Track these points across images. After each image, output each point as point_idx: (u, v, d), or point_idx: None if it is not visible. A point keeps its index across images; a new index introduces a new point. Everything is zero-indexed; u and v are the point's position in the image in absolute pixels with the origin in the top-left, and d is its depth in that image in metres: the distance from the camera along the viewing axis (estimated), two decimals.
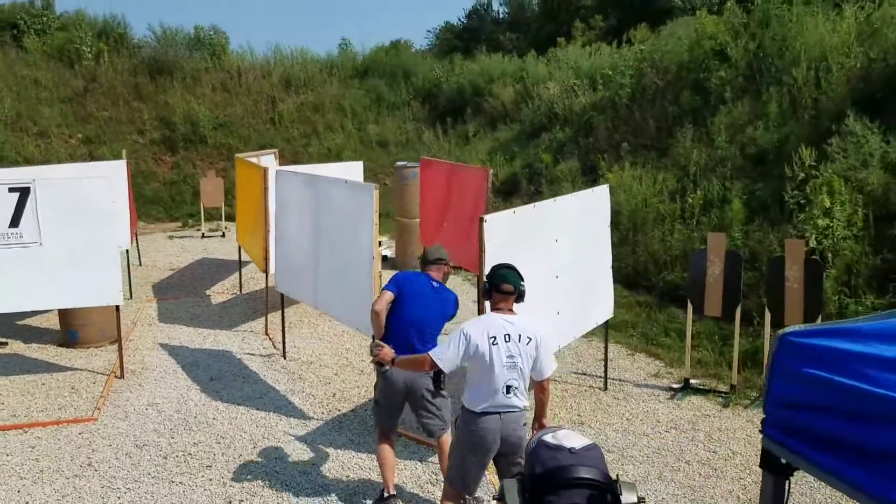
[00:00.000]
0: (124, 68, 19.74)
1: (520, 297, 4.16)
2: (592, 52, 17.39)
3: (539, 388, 4.26)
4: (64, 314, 8.15)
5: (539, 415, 4.32)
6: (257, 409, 6.58)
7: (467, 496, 4.27)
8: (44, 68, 19.07)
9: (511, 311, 4.12)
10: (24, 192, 6.80)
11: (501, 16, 32.41)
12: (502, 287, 4.09)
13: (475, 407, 4.00)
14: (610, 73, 14.04)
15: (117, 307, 7.32)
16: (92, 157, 16.85)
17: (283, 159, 14.27)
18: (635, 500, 1.85)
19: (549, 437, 1.91)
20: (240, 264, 10.62)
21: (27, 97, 18.15)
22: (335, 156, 18.69)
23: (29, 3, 20.19)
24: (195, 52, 20.68)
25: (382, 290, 5.00)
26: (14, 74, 18.57)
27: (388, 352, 4.40)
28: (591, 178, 11.95)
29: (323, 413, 6.52)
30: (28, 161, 16.09)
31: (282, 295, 7.89)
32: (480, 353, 3.95)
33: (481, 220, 4.83)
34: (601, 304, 6.64)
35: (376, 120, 20.61)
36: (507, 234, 5.13)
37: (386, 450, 4.90)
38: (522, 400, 4.06)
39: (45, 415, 6.44)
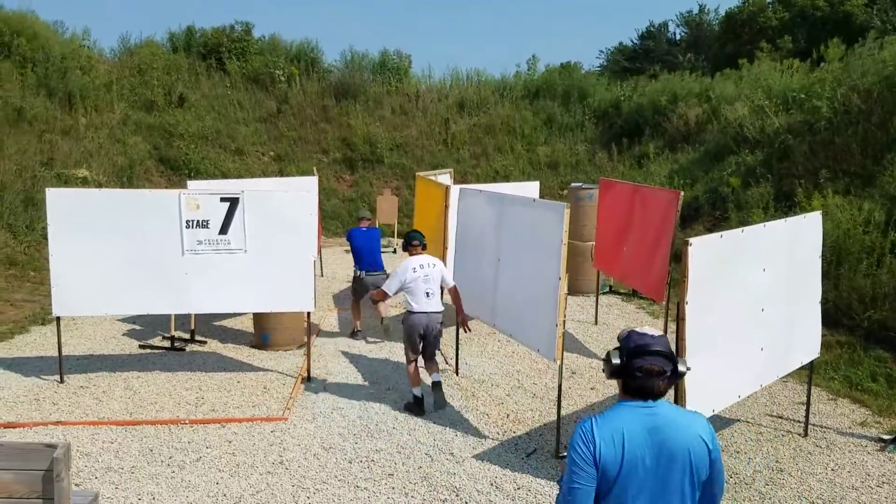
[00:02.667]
0: (313, 91, 21.08)
1: (424, 247, 7.07)
2: (784, 70, 16.28)
3: (450, 291, 7.08)
4: (258, 318, 8.70)
5: (459, 309, 7.02)
6: (433, 423, 6.62)
7: (416, 355, 6.92)
8: (242, 90, 20.80)
9: (420, 254, 6.98)
10: (233, 203, 7.34)
11: (679, 36, 31.40)
12: (413, 243, 7.05)
13: (412, 309, 6.79)
14: (803, 95, 13.04)
15: (308, 314, 7.70)
16: (281, 174, 18.12)
17: (454, 180, 14.52)
18: (685, 369, 2.84)
19: (637, 329, 2.86)
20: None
21: (227, 116, 19.86)
22: (503, 177, 18.83)
23: (230, 27, 22.08)
24: (379, 75, 21.67)
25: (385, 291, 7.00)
26: (216, 95, 20.39)
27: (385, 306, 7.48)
28: (786, 204, 11.11)
29: (498, 433, 6.44)
30: (225, 175, 17.57)
31: None
32: (408, 277, 6.76)
33: (686, 243, 4.55)
34: (807, 342, 6.07)
35: (546, 141, 20.54)
36: (713, 260, 4.80)
37: (414, 367, 6.93)
38: (436, 305, 6.84)
39: (240, 411, 6.85)
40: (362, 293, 9.27)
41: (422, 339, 6.85)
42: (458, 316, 7.03)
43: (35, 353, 8.50)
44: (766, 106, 14.04)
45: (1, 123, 14.80)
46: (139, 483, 5.42)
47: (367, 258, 9.37)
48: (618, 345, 2.83)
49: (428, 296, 6.77)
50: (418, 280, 6.75)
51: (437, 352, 7.13)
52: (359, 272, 9.34)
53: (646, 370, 2.72)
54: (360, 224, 9.71)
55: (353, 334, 9.32)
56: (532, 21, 70.60)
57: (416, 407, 6.82)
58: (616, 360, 2.79)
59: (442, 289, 7.07)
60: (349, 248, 9.76)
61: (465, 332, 7.19)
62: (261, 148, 19.50)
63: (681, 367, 2.79)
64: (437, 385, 6.86)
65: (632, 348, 2.77)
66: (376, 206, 16.38)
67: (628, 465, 2.63)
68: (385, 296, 6.94)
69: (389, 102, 21.27)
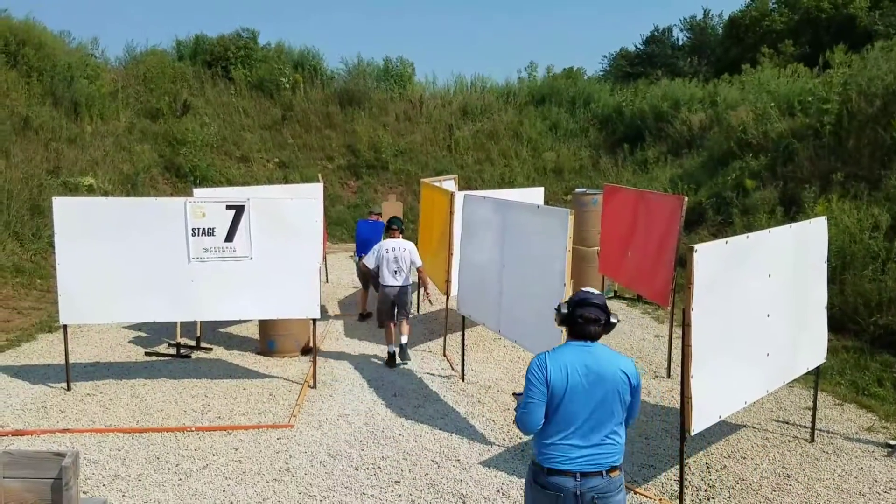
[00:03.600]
0: (317, 98, 21.16)
1: (401, 232, 8.71)
2: (789, 74, 16.28)
3: (418, 270, 8.84)
4: (264, 325, 8.73)
5: (424, 282, 9.03)
6: (440, 430, 6.63)
7: (389, 323, 8.52)
8: (247, 97, 20.89)
9: (395, 237, 8.59)
10: (239, 210, 7.37)
11: (682, 41, 31.42)
12: (392, 227, 8.63)
13: (384, 283, 8.45)
14: (810, 98, 13.03)
15: (314, 320, 7.72)
16: (286, 181, 18.16)
17: (458, 186, 14.55)
18: (616, 321, 3.72)
19: (584, 288, 3.76)
20: (418, 286, 10.86)
21: (232, 124, 19.95)
22: (508, 182, 18.86)
23: (236, 35, 22.17)
24: (383, 82, 21.75)
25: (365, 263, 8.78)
26: (221, 103, 20.48)
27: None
28: (791, 209, 11.11)
29: (504, 440, 6.44)
30: (230, 182, 17.64)
31: (463, 318, 7.96)
32: (381, 255, 8.42)
33: (691, 249, 4.55)
34: (813, 347, 6.06)
35: (552, 147, 20.56)
36: (718, 267, 4.80)
37: (391, 327, 8.52)
38: (403, 280, 8.48)
39: (246, 419, 6.87)
40: (389, 308, 8.96)
41: (394, 305, 8.53)
42: (424, 289, 8.96)
43: (42, 361, 8.53)
44: (770, 110, 14.04)
45: (7, 132, 14.87)
46: (146, 491, 5.44)
47: (368, 247, 9.65)
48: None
49: (395, 274, 8.44)
50: (388, 259, 8.41)
51: (408, 317, 8.78)
52: (357, 258, 10.71)
53: (585, 318, 3.62)
54: (370, 217, 11.08)
55: (362, 317, 10.46)
56: (535, 27, 70.76)
57: (390, 361, 8.45)
58: (564, 311, 3.68)
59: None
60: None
61: (430, 304, 9.72)
62: (265, 155, 19.57)
63: (612, 319, 3.71)
64: (403, 346, 8.59)
65: (576, 301, 3.68)
66: (381, 211, 16.39)
67: (571, 387, 3.53)
68: (366, 267, 8.78)
69: (393, 109, 21.33)
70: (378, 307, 8.76)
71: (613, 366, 3.59)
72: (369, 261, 8.57)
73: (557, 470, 3.55)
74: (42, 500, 3.82)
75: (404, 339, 8.57)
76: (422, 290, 9.27)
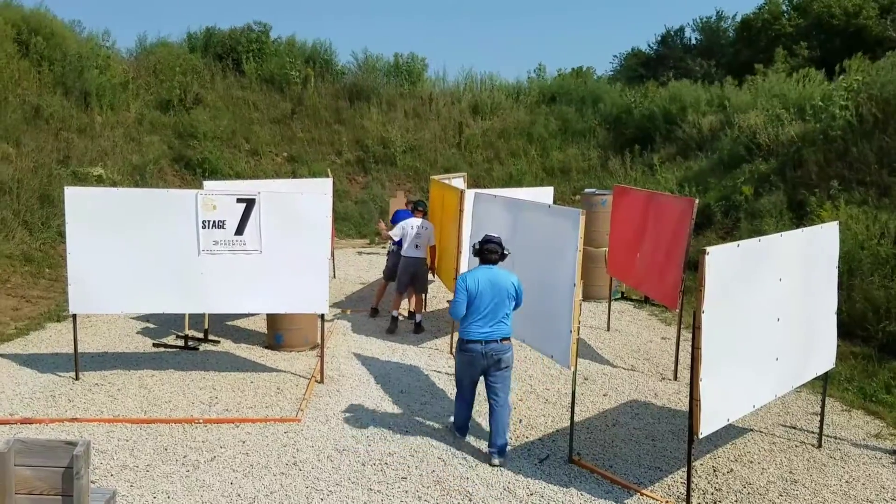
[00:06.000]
0: (328, 93, 21.17)
1: (424, 213, 9.93)
2: (800, 79, 16.22)
3: (430, 249, 9.85)
4: (272, 318, 8.75)
5: (431, 260, 10.01)
6: (446, 427, 6.64)
7: (404, 290, 9.80)
8: (258, 91, 20.91)
9: (420, 217, 9.76)
10: (249, 204, 7.39)
11: (693, 42, 31.27)
12: (419, 208, 9.85)
13: (407, 254, 9.58)
14: (822, 103, 12.99)
15: (322, 315, 7.73)
16: (294, 175, 18.18)
17: (467, 184, 14.54)
18: (508, 252, 6.10)
19: (487, 234, 6.12)
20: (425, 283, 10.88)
21: (242, 117, 19.96)
22: (516, 181, 18.84)
23: (248, 28, 22.19)
24: (393, 78, 21.73)
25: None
26: (231, 96, 20.50)
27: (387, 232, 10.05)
28: (798, 214, 11.09)
29: (511, 439, 6.44)
30: (239, 176, 17.66)
31: None
32: (407, 231, 9.57)
33: (703, 252, 4.55)
34: (822, 352, 6.06)
35: (560, 146, 20.53)
36: (730, 270, 4.80)
37: (400, 296, 9.84)
38: (422, 252, 9.66)
39: (253, 412, 6.89)
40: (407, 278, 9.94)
41: (412, 277, 9.66)
42: (430, 265, 10.08)
43: (50, 350, 8.57)
44: (781, 115, 14.00)
45: (18, 121, 14.92)
46: (154, 482, 5.46)
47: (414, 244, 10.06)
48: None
49: (416, 247, 9.65)
50: (412, 236, 9.60)
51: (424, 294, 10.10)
52: (393, 247, 10.53)
53: (488, 250, 6.03)
54: (415, 214, 10.26)
55: (373, 312, 10.61)
56: (546, 26, 70.60)
57: (392, 325, 9.71)
58: (476, 247, 6.11)
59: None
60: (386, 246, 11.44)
61: (433, 276, 10.43)
62: (275, 149, 19.58)
63: (505, 251, 6.09)
64: (419, 324, 9.80)
65: (483, 241, 6.10)
66: (389, 208, 16.40)
67: (480, 291, 5.90)
68: (388, 235, 9.94)
69: (403, 105, 21.32)
70: (399, 276, 9.78)
71: (505, 279, 5.96)
72: (395, 232, 9.71)
73: (472, 339, 5.94)
74: (53, 489, 3.84)
75: (419, 318, 9.85)
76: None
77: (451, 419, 6.60)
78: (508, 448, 6.17)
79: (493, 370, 5.98)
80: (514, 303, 5.98)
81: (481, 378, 6.12)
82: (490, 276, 5.92)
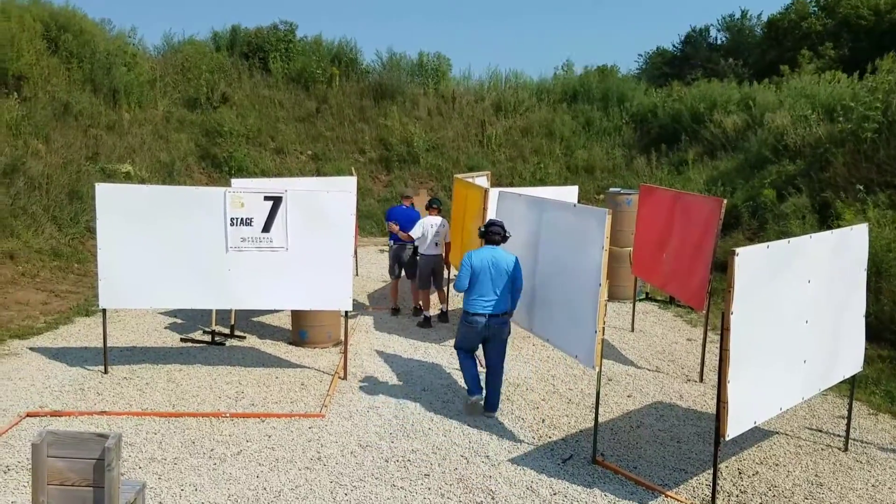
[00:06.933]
0: (352, 91, 21.26)
1: (439, 211, 10.04)
2: (829, 80, 16.00)
3: (446, 244, 10.08)
4: (296, 315, 8.82)
5: (446, 254, 10.18)
6: (468, 426, 6.66)
7: (426, 291, 10.11)
8: (283, 90, 21.04)
9: (434, 215, 9.93)
10: (276, 202, 7.46)
11: (719, 41, 30.98)
12: (433, 206, 10.05)
13: (426, 252, 9.91)
14: (852, 104, 12.79)
15: (346, 312, 7.78)
16: (318, 173, 18.29)
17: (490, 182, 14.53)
18: (509, 235, 6.81)
19: (491, 219, 7.03)
20: (449, 281, 10.90)
21: (267, 116, 20.11)
22: (539, 180, 18.79)
23: (274, 27, 22.35)
24: (417, 77, 21.76)
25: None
26: (258, 95, 20.66)
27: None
28: (824, 215, 10.94)
29: (533, 438, 6.45)
30: (264, 173, 17.82)
31: None
32: (427, 229, 9.77)
33: (733, 252, 4.52)
34: (850, 355, 5.99)
35: (584, 145, 20.44)
36: (759, 271, 4.76)
37: (427, 296, 10.15)
38: (439, 250, 9.94)
39: (278, 407, 6.96)
40: (427, 277, 10.33)
41: (432, 273, 10.04)
42: (445, 259, 10.25)
43: (79, 344, 8.72)
44: (809, 116, 13.81)
45: (48, 118, 15.17)
46: (182, 474, 5.54)
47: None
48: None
49: (436, 245, 9.93)
50: (432, 234, 9.85)
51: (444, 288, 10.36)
52: (391, 244, 10.64)
53: (492, 232, 6.73)
54: (403, 202, 10.72)
55: (394, 311, 10.68)
56: (570, 24, 70.31)
57: (425, 323, 9.97)
58: (482, 229, 6.81)
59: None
60: (388, 246, 10.99)
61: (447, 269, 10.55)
62: (299, 147, 19.71)
63: (507, 234, 6.79)
64: (443, 313, 10.27)
65: (488, 224, 6.84)
66: (413, 195, 16.43)
67: (483, 269, 6.59)
68: (410, 237, 9.92)
69: (426, 104, 21.35)
70: (419, 274, 10.11)
71: (506, 259, 6.66)
72: (415, 231, 9.85)
73: (476, 312, 6.67)
74: (84, 480, 3.91)
75: (444, 307, 10.33)
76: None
77: (468, 395, 7.04)
78: (531, 448, 6.19)
79: (492, 341, 6.77)
80: (512, 280, 6.66)
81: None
82: (493, 255, 6.63)
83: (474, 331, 6.73)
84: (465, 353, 6.98)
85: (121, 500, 3.96)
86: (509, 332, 6.86)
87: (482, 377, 7.05)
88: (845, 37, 22.90)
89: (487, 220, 6.98)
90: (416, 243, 10.10)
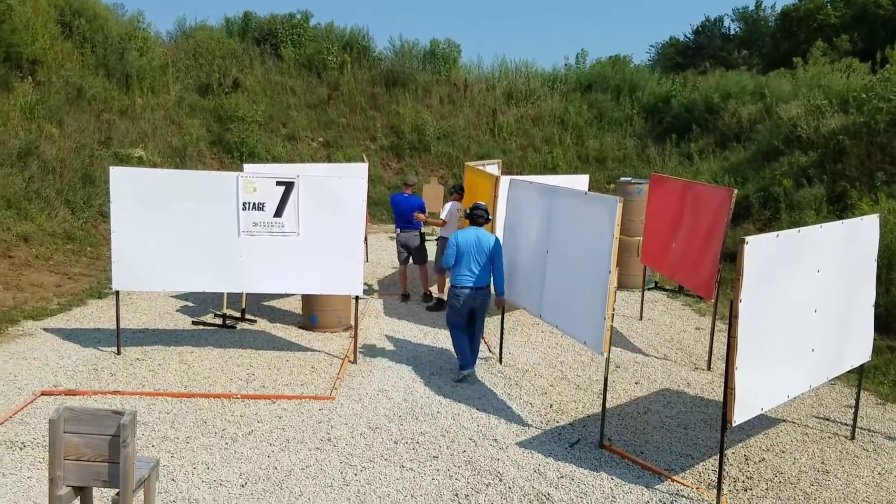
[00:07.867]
0: (364, 78, 21.26)
1: (461, 198, 10.25)
2: (844, 69, 15.88)
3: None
4: (307, 299, 8.89)
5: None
6: (477, 410, 6.72)
7: (441, 273, 10.09)
8: (295, 76, 21.07)
9: (457, 200, 10.21)
10: (288, 187, 7.51)
11: (733, 32, 30.77)
12: (455, 191, 10.41)
13: (442, 235, 10.07)
14: (865, 95, 12.71)
15: (357, 297, 7.85)
16: (329, 160, 18.32)
17: (501, 170, 14.53)
18: (490, 217, 7.74)
19: (476, 202, 7.65)
20: None
21: (279, 102, 20.15)
22: (550, 169, 18.77)
23: (289, 15, 22.37)
24: (428, 65, 21.73)
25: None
26: (270, 81, 20.69)
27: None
28: (838, 207, 10.91)
29: (541, 422, 6.51)
30: (275, 159, 17.87)
31: None
32: (452, 213, 10.04)
33: (742, 241, 4.54)
34: (858, 345, 6.00)
35: (596, 135, 20.39)
36: (768, 260, 4.78)
37: (441, 277, 10.24)
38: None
39: (289, 389, 7.04)
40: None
41: None
42: None
43: (92, 325, 8.82)
44: (822, 106, 13.73)
45: (62, 102, 15.27)
46: (194, 453, 5.63)
47: (405, 221, 10.46)
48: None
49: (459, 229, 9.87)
50: (457, 219, 9.96)
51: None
52: (398, 231, 10.59)
53: (476, 214, 7.40)
54: (405, 190, 10.60)
55: (404, 297, 10.73)
56: (583, 13, 69.87)
57: (437, 306, 10.08)
58: (467, 211, 7.49)
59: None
60: (394, 235, 10.94)
61: None
62: (311, 133, 19.75)
63: (489, 217, 7.57)
64: None
65: (472, 208, 7.45)
66: (422, 194, 16.47)
67: (467, 247, 7.23)
68: (443, 222, 10.17)
69: (438, 91, 21.34)
70: (438, 256, 10.23)
71: (487, 238, 7.31)
72: (443, 214, 10.25)
73: (462, 286, 7.27)
74: (100, 456, 3.99)
75: None
76: None
77: (460, 369, 7.57)
78: (539, 432, 6.26)
79: (476, 312, 7.45)
80: (491, 258, 7.31)
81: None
82: (476, 235, 7.30)
83: (462, 303, 7.31)
84: (458, 330, 7.46)
85: (135, 475, 4.04)
86: (489, 303, 7.56)
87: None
88: (860, 28, 22.70)
89: (472, 204, 7.53)
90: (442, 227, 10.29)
